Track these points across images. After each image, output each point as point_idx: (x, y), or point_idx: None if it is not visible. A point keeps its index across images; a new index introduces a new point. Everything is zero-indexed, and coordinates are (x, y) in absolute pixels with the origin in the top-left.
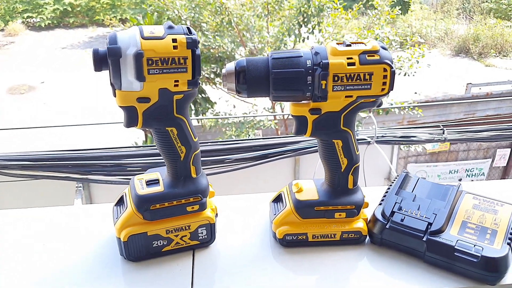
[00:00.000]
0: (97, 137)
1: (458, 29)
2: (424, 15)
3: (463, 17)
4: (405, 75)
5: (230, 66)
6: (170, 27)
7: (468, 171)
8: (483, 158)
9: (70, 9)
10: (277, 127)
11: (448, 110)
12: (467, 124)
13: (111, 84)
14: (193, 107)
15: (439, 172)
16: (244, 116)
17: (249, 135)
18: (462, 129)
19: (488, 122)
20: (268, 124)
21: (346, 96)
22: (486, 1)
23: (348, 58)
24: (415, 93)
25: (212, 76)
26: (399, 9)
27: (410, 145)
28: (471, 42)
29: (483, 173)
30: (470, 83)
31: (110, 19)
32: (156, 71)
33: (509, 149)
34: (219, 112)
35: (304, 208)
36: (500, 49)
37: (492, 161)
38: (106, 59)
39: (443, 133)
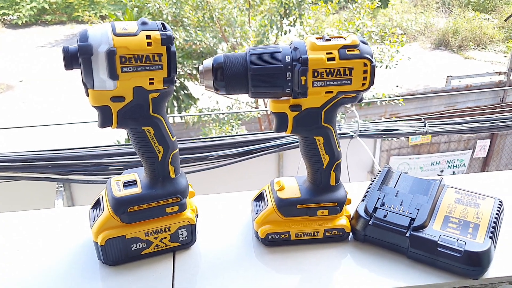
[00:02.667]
0: (80, 137)
1: (437, 22)
2: (404, 9)
3: (442, 10)
4: (386, 67)
5: (207, 62)
6: (144, 23)
7: (449, 163)
8: (464, 149)
9: (47, 6)
10: (259, 115)
11: (429, 102)
12: (448, 116)
13: (83, 83)
14: (175, 104)
15: (421, 164)
16: (227, 112)
17: (233, 126)
18: (443, 122)
19: (468, 114)
20: (251, 115)
21: (326, 92)
22: None
23: (327, 53)
24: (397, 86)
25: (194, 72)
26: (379, 1)
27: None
28: (451, 35)
29: (464, 164)
30: (450, 76)
31: (89, 16)
32: (130, 69)
33: (489, 140)
34: (202, 108)
35: (286, 207)
36: (479, 41)
37: (473, 152)
38: (77, 57)
39: (425, 126)
